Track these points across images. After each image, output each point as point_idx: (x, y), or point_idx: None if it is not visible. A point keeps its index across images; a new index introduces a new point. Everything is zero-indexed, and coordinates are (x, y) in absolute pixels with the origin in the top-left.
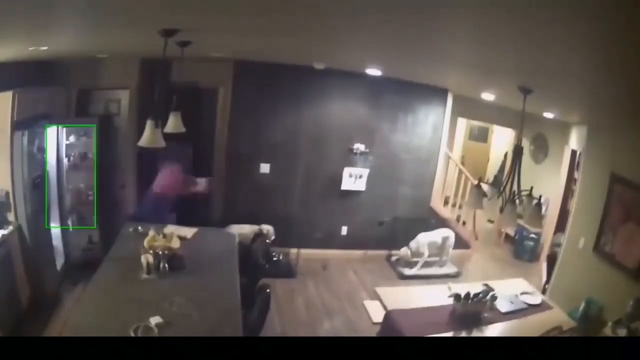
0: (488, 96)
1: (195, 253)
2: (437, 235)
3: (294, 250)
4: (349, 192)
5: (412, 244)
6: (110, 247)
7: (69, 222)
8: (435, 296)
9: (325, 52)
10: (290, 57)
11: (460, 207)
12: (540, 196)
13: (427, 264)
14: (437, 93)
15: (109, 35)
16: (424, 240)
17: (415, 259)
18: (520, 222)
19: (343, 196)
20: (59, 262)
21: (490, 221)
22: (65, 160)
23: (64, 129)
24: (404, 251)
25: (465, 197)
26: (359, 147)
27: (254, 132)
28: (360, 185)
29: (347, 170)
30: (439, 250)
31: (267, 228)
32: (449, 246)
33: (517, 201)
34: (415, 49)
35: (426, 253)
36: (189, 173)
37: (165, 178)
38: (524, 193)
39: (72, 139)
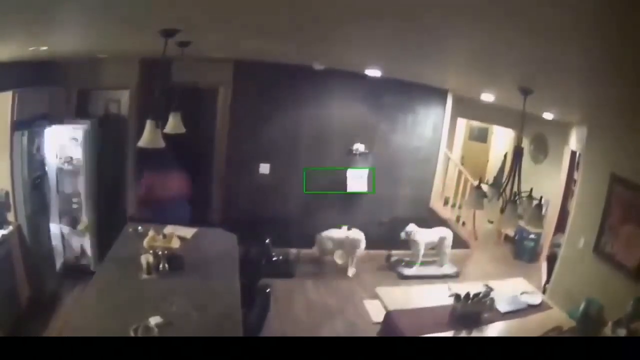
0: (488, 96)
1: (195, 253)
2: (434, 234)
3: (293, 250)
4: (348, 192)
5: (409, 228)
6: (109, 247)
7: (69, 222)
8: (435, 296)
9: (325, 52)
10: (290, 57)
11: (460, 207)
12: (540, 197)
13: (426, 264)
14: (437, 93)
15: (109, 35)
16: (419, 232)
17: (411, 245)
18: (521, 223)
19: (343, 196)
20: (59, 262)
21: (490, 221)
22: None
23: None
24: (403, 235)
25: (465, 198)
26: (359, 147)
27: (254, 132)
28: (360, 185)
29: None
30: (436, 250)
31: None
32: (447, 246)
33: (518, 202)
34: (415, 50)
35: (422, 246)
36: (189, 173)
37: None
38: (524, 194)
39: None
